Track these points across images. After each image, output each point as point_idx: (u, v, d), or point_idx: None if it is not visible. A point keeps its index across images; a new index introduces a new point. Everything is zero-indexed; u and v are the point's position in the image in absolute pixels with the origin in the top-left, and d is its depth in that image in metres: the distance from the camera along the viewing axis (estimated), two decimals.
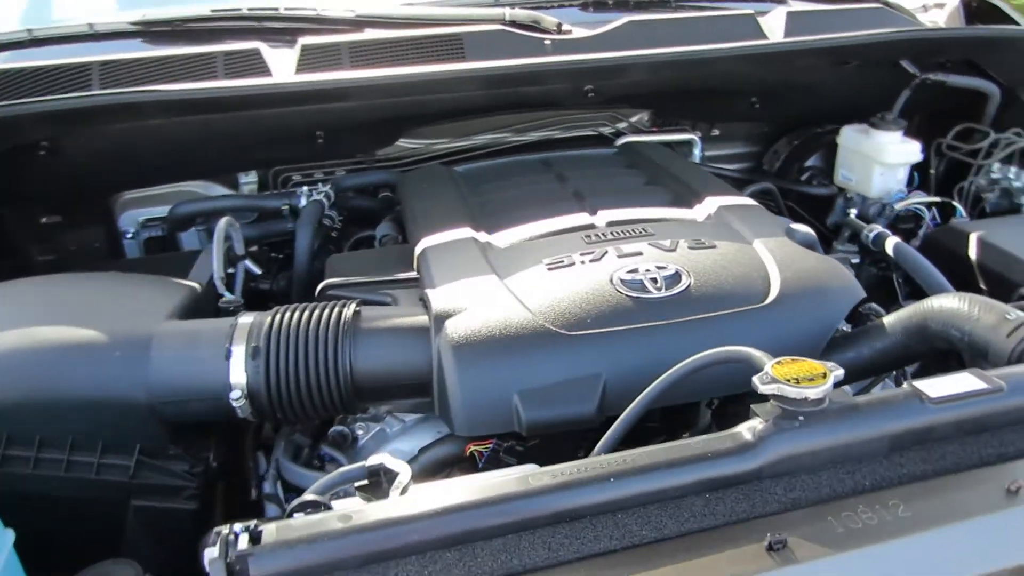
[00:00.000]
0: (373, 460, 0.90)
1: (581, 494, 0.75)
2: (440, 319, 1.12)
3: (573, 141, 2.03)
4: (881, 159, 1.84)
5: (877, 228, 1.60)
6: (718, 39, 1.68)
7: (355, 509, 0.74)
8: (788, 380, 0.80)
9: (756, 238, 1.30)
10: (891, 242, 1.51)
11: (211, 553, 0.70)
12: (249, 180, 1.92)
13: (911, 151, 1.84)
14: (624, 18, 1.74)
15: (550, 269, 1.21)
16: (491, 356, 1.08)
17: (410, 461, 1.18)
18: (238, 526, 0.72)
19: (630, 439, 1.11)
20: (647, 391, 0.96)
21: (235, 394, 1.11)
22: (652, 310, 1.13)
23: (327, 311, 1.16)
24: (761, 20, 1.81)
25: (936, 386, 0.83)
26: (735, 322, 1.13)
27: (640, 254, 1.23)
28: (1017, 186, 1.79)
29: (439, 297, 1.16)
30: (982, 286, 1.49)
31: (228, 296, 1.34)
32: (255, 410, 1.13)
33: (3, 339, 1.11)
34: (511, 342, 1.08)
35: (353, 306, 1.17)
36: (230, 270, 1.49)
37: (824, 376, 0.81)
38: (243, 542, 0.70)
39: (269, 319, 1.15)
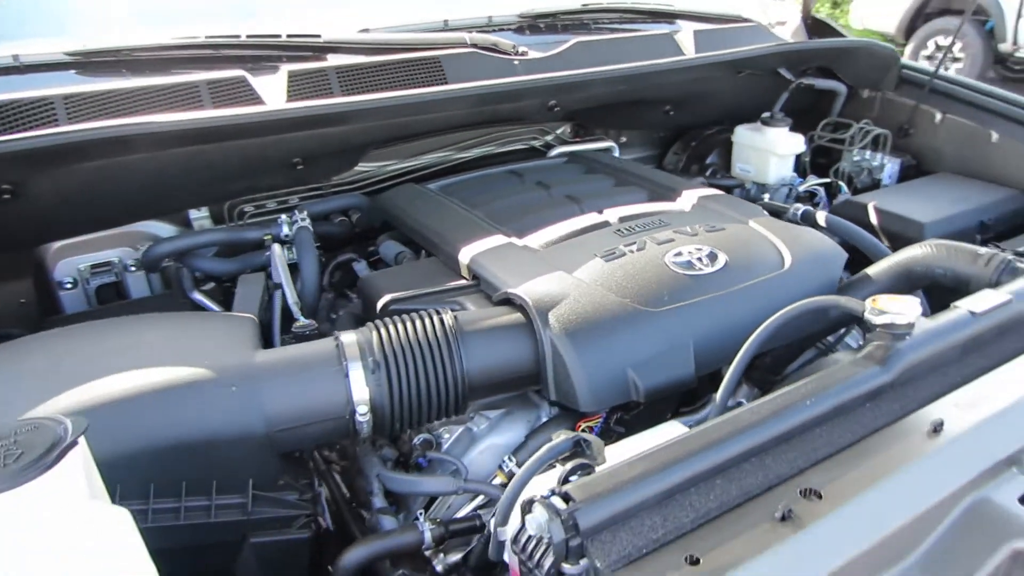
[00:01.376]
0: (566, 435, 1.00)
1: (788, 419, 0.91)
2: (543, 312, 1.22)
3: (508, 155, 2.19)
4: (776, 151, 2.20)
5: (802, 207, 1.93)
6: (648, 56, 1.93)
7: (628, 460, 0.85)
8: (892, 311, 1.04)
9: (748, 218, 1.55)
10: (822, 215, 1.84)
11: (539, 518, 0.77)
12: (200, 215, 1.84)
13: (798, 142, 2.22)
14: (572, 40, 1.93)
15: (607, 260, 1.36)
16: (601, 338, 1.21)
17: (518, 449, 1.28)
18: (543, 491, 0.80)
19: (646, 417, 1.29)
20: (751, 340, 1.14)
21: (361, 410, 1.14)
22: (707, 283, 1.32)
23: (428, 320, 1.22)
24: (676, 38, 2.10)
25: (976, 303, 1.11)
26: (769, 286, 1.36)
27: (673, 240, 1.42)
28: (876, 165, 2.24)
29: (531, 293, 1.26)
30: (887, 244, 1.86)
31: (303, 320, 1.33)
32: (376, 424, 1.16)
33: (99, 388, 1.03)
34: (613, 323, 1.22)
35: (450, 312, 1.24)
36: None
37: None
38: (558, 503, 0.79)
39: (376, 334, 1.19)
